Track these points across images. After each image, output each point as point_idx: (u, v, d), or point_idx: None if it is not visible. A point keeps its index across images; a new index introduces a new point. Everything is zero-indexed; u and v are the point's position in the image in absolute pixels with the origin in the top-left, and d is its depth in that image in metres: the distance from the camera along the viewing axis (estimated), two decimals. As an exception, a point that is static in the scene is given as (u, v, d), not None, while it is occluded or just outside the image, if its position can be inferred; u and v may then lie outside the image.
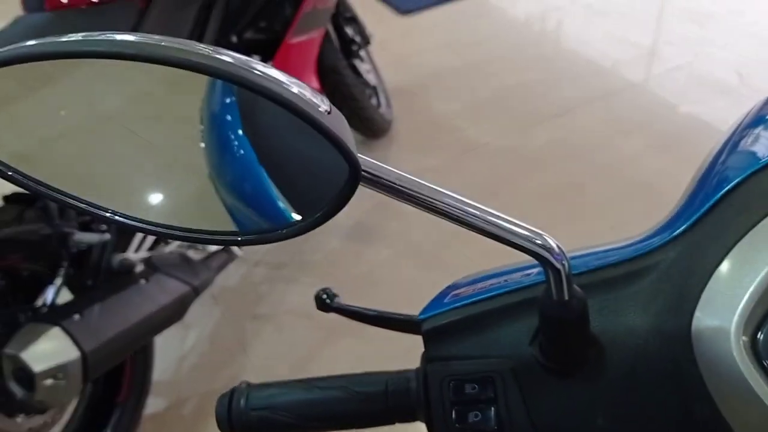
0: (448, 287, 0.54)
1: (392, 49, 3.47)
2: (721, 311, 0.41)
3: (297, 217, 0.39)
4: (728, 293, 0.41)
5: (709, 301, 0.42)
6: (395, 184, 0.38)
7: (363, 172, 0.36)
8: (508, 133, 2.95)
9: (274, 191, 0.40)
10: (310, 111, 0.32)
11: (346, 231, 2.60)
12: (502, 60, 3.47)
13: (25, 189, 0.38)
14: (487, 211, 0.40)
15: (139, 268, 1.70)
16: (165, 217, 0.40)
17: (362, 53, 2.78)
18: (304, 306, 2.29)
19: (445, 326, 0.50)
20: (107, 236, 1.61)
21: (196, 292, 1.77)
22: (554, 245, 0.41)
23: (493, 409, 0.46)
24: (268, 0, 1.99)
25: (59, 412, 1.67)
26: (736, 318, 0.40)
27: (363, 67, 2.78)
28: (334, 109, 0.34)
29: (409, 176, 0.39)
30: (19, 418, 1.57)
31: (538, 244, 0.41)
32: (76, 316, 1.48)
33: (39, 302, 1.60)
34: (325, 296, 0.62)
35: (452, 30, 3.72)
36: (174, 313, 1.70)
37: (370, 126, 2.75)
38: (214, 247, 1.93)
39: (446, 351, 0.49)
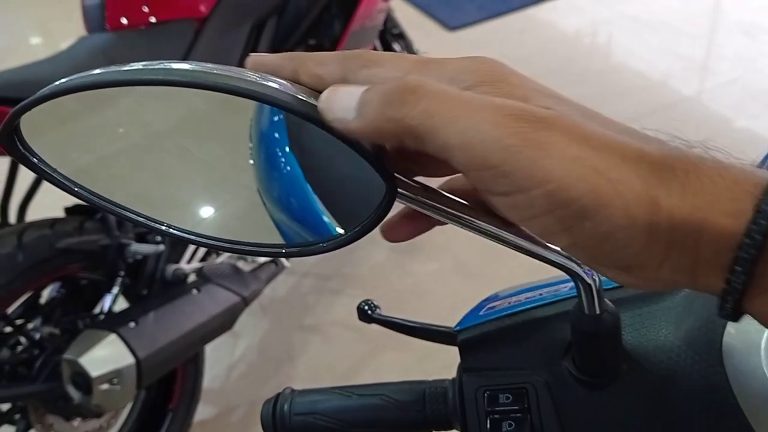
0: (484, 300, 0.56)
1: (440, 64, 3.49)
2: (752, 326, 0.42)
3: (339, 230, 0.41)
4: None
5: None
6: (431, 202, 0.40)
7: (399, 190, 0.38)
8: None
9: (319, 206, 0.42)
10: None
11: (392, 245, 2.61)
12: (550, 74, 3.46)
13: (87, 203, 0.41)
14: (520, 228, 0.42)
15: (192, 278, 1.76)
16: (215, 229, 0.43)
17: (410, 69, 2.81)
18: (350, 318, 2.31)
19: (480, 338, 0.51)
20: (161, 247, 1.67)
21: (245, 302, 1.82)
22: None
23: (527, 419, 0.47)
24: (318, 18, 2.03)
25: (114, 416, 1.73)
26: (766, 334, 0.41)
27: (410, 82, 2.80)
28: None
29: (445, 194, 0.41)
30: (76, 422, 1.64)
31: (569, 259, 0.42)
32: (132, 324, 1.54)
33: (97, 310, 1.66)
34: (366, 307, 0.64)
35: (500, 45, 3.73)
36: (224, 322, 1.75)
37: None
38: (263, 259, 1.98)
39: (481, 362, 0.51)
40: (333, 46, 2.05)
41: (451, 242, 2.53)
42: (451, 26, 3.82)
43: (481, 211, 0.40)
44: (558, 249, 0.42)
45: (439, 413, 0.53)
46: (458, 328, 0.53)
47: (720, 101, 3.12)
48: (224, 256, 1.88)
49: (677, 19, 3.82)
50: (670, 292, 0.47)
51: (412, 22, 3.52)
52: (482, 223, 0.40)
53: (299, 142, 0.43)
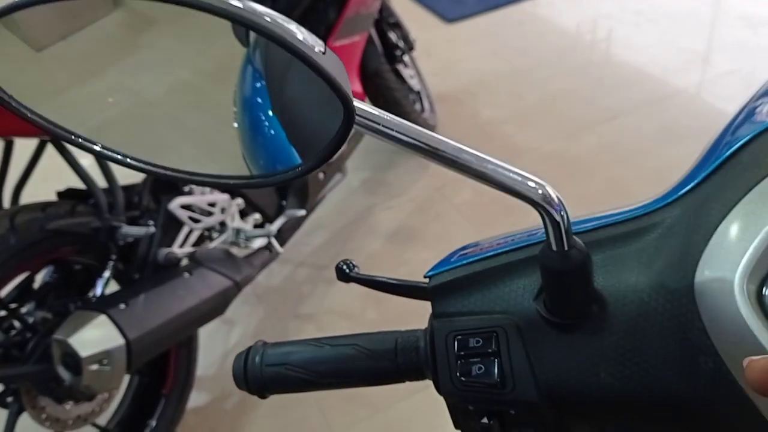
0: (457, 249, 0.55)
1: (438, 56, 3.49)
2: (724, 264, 0.41)
3: (302, 161, 0.41)
4: (732, 246, 0.42)
5: (713, 255, 0.42)
6: (390, 128, 0.39)
7: (358, 115, 0.38)
8: (556, 139, 2.93)
9: (283, 136, 0.42)
10: (305, 49, 0.34)
11: (387, 233, 2.61)
12: (549, 66, 3.46)
13: (48, 133, 0.41)
14: (484, 157, 0.41)
15: (184, 262, 1.75)
16: (182, 163, 0.42)
17: (406, 59, 2.81)
18: (345, 306, 2.32)
19: (450, 283, 0.51)
20: (152, 230, 1.67)
21: (238, 287, 1.81)
22: (554, 195, 0.42)
23: (496, 362, 0.47)
24: (312, 4, 2.03)
25: (106, 401, 1.73)
26: (740, 269, 0.40)
27: (406, 72, 2.80)
28: (330, 52, 0.36)
29: (405, 122, 0.40)
30: (68, 405, 1.63)
31: (537, 193, 0.41)
32: (122, 306, 1.53)
33: (90, 294, 1.66)
34: (344, 267, 0.64)
35: (499, 37, 3.72)
36: (216, 306, 1.74)
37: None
38: (257, 244, 1.97)
39: (452, 307, 0.50)
40: (327, 32, 2.04)
41: (446, 231, 2.53)
42: (449, 18, 3.82)
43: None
44: (523, 173, 0.41)
45: (411, 362, 0.52)
46: (429, 273, 0.52)
47: (720, 93, 3.11)
48: (217, 242, 1.87)
49: (678, 11, 3.81)
50: (641, 233, 0.47)
51: (409, 13, 3.52)
52: (440, 149, 0.40)
53: (273, 77, 0.43)
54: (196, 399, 2.08)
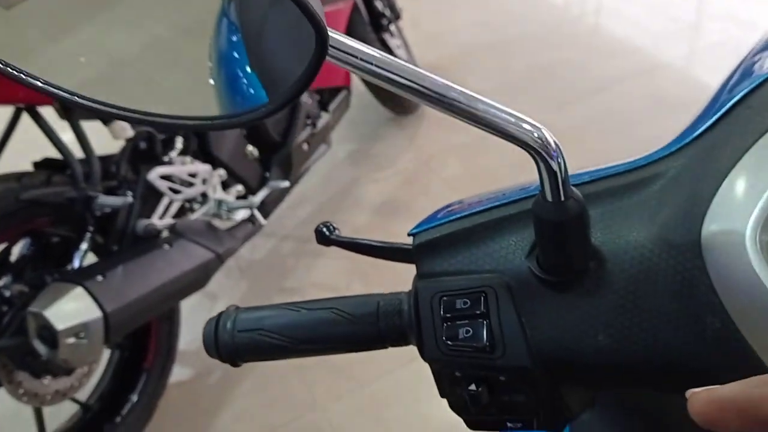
0: (443, 206, 0.51)
1: (425, 28, 3.43)
2: (734, 215, 0.38)
3: (270, 99, 0.37)
4: (743, 195, 0.38)
5: (722, 206, 0.38)
6: (367, 61, 0.35)
7: (332, 47, 0.34)
8: (545, 110, 2.89)
9: (252, 74, 0.38)
10: None
11: (373, 206, 2.58)
12: (537, 37, 3.41)
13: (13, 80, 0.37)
14: (474, 96, 0.37)
15: (164, 234, 1.71)
16: (143, 104, 0.39)
17: (392, 28, 2.75)
18: (330, 279, 2.28)
19: (436, 241, 0.47)
20: (129, 200, 1.62)
21: (220, 259, 1.77)
22: (551, 140, 0.38)
23: (485, 324, 0.43)
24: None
25: (86, 375, 1.69)
26: (752, 220, 0.37)
27: (393, 42, 2.75)
28: None
29: (385, 55, 0.36)
30: (46, 380, 1.59)
31: (532, 136, 0.37)
32: (99, 278, 1.49)
33: (68, 267, 1.61)
34: (324, 229, 0.60)
35: (486, 8, 3.66)
36: (197, 279, 1.70)
37: (400, 101, 2.72)
38: (240, 216, 1.93)
39: (438, 267, 0.46)
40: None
41: (433, 204, 2.48)
42: (437, -11, 3.75)
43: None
44: (517, 114, 0.37)
45: (394, 326, 0.49)
46: (414, 231, 0.49)
47: (710, 63, 3.08)
48: (198, 213, 1.82)
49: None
50: (642, 185, 0.43)
51: (397, -18, 3.44)
52: (424, 86, 0.36)
53: (246, 13, 0.39)
54: (178, 373, 2.05)
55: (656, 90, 2.94)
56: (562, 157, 0.38)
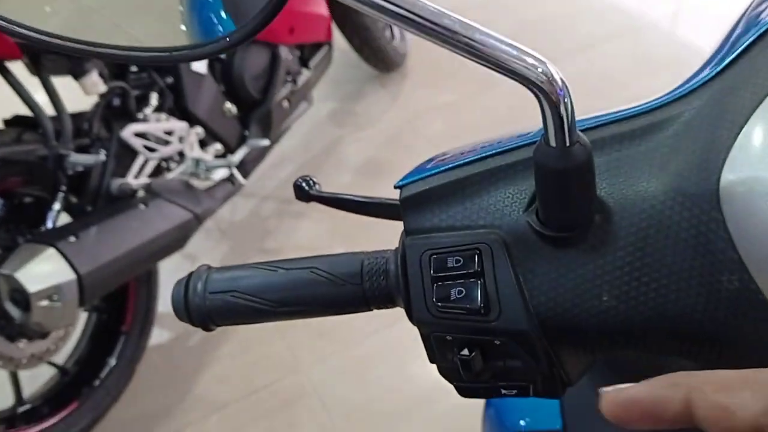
0: (434, 156, 0.47)
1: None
2: (758, 161, 0.34)
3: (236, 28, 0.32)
4: (767, 140, 0.34)
5: (743, 151, 0.35)
6: None
7: None
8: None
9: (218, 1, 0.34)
10: None
11: (356, 166, 2.53)
12: (522, -5, 3.34)
13: None
14: (471, 25, 0.33)
15: (140, 193, 1.66)
16: (109, 38, 0.34)
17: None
18: (313, 240, 2.25)
19: (425, 194, 0.43)
20: (102, 158, 1.56)
21: (198, 220, 1.72)
22: (557, 76, 0.34)
23: (479, 284, 0.39)
24: None
25: (62, 338, 1.65)
26: None
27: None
28: None
29: None
30: (21, 343, 1.55)
31: (536, 72, 0.33)
32: (72, 238, 1.44)
33: (41, 229, 1.56)
34: (303, 183, 0.56)
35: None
36: (175, 240, 1.66)
37: (383, 58, 2.65)
38: (218, 176, 1.88)
39: (427, 222, 0.42)
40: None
41: (416, 163, 2.44)
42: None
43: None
44: (520, 46, 0.33)
45: (379, 287, 0.45)
46: (400, 183, 0.45)
47: (696, 24, 3.03)
48: (175, 172, 1.77)
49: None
50: (653, 131, 0.39)
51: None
52: (413, 11, 0.31)
53: None
54: (158, 336, 2.01)
55: (640, 50, 2.89)
56: (569, 96, 0.34)
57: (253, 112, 2.00)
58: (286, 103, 2.08)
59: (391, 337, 1.91)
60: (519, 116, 2.46)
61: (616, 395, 0.28)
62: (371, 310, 0.47)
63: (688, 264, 0.36)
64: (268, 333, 2.02)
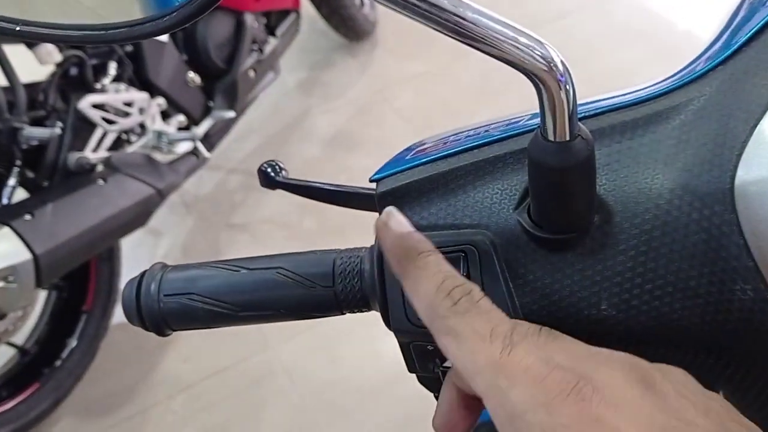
0: (413, 145, 0.43)
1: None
2: None
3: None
4: None
5: (761, 146, 0.31)
6: None
7: None
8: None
9: None
10: None
11: (325, 138, 2.47)
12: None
13: None
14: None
15: (99, 168, 1.58)
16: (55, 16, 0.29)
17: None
18: (281, 215, 2.19)
19: (404, 188, 0.38)
20: (58, 131, 1.49)
21: (161, 195, 1.66)
22: (557, 59, 0.29)
23: None
24: None
25: (21, 318, 1.58)
26: None
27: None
28: None
29: None
30: (-23, 325, 1.49)
31: (533, 55, 0.29)
32: (27, 216, 1.37)
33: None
34: (269, 169, 0.51)
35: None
36: (137, 216, 1.59)
37: (352, 26, 2.58)
38: (182, 149, 1.81)
39: (407, 220, 0.38)
40: None
41: (387, 136, 2.40)
42: None
43: None
44: (514, 25, 0.29)
45: (353, 290, 0.41)
46: (376, 176, 0.40)
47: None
48: (136, 146, 1.70)
49: None
50: (659, 120, 0.35)
51: None
52: None
53: None
54: (121, 315, 1.94)
55: (615, 21, 2.85)
56: (572, 83, 0.29)
57: (217, 83, 1.93)
58: (252, 73, 2.01)
59: (361, 314, 1.87)
60: (493, 88, 2.42)
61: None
62: (344, 314, 0.43)
63: (696, 271, 0.32)
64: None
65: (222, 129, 1.97)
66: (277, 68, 2.21)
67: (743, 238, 0.31)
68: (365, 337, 1.85)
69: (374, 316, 0.40)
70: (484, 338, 0.30)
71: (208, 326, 0.43)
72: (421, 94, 2.58)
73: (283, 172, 0.52)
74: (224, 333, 1.93)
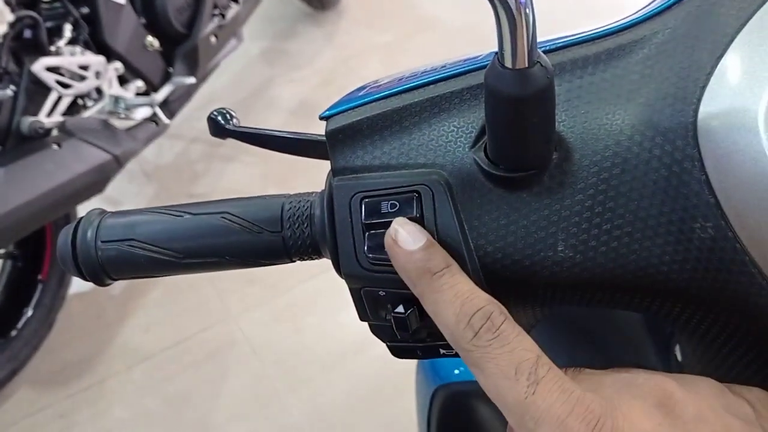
0: (366, 84, 0.41)
1: None
2: (743, 89, 0.29)
3: None
4: (753, 66, 0.30)
5: (725, 79, 0.30)
6: None
7: None
8: (468, 11, 2.76)
9: None
10: None
11: (289, 108, 2.44)
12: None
13: None
14: None
15: (54, 133, 1.53)
16: None
17: None
18: (243, 185, 2.16)
19: (356, 126, 0.37)
20: (9, 93, 1.43)
21: (118, 162, 1.61)
22: None
23: None
24: None
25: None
26: (767, 96, 0.28)
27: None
28: None
29: None
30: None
31: None
32: (-23, 181, 1.33)
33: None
34: (219, 117, 0.49)
35: None
36: (92, 182, 1.55)
37: (318, -6, 2.54)
38: (140, 115, 1.76)
39: (358, 160, 0.37)
40: None
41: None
42: None
43: None
44: None
45: (302, 235, 0.39)
46: (326, 113, 0.38)
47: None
48: (93, 111, 1.64)
49: None
50: (621, 54, 0.34)
51: None
52: None
53: None
54: (80, 284, 1.91)
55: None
56: (531, 5, 0.28)
57: (177, 48, 1.87)
58: (213, 39, 1.96)
59: (323, 284, 1.86)
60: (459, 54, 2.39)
61: None
62: (293, 261, 0.41)
63: (656, 210, 0.31)
64: (198, 279, 1.94)
65: (183, 96, 1.92)
66: (239, 35, 2.17)
67: (705, 173, 0.30)
68: (328, 308, 1.84)
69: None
70: (508, 376, 0.30)
71: (149, 275, 0.41)
72: (387, 65, 2.55)
73: (234, 120, 0.50)
74: (185, 303, 1.90)
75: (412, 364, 0.77)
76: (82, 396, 1.74)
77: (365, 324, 0.40)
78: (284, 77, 2.57)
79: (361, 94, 0.38)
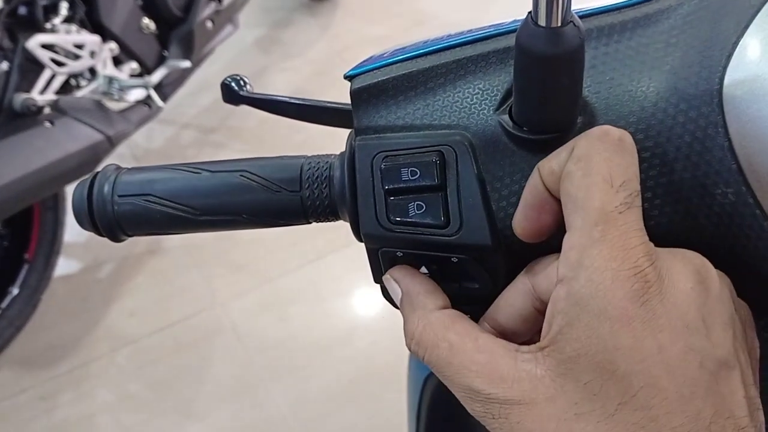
0: (390, 48, 0.41)
1: None
2: None
3: None
4: None
5: (753, 47, 0.30)
6: None
7: None
8: (462, 7, 2.77)
9: None
10: None
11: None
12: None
13: None
14: None
15: (46, 111, 1.52)
16: None
17: None
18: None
19: (381, 85, 0.37)
20: (5, 68, 1.42)
21: (110, 143, 1.60)
22: None
23: (440, 196, 0.34)
24: None
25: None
26: None
27: None
28: None
29: None
30: None
31: None
32: (-33, 155, 1.31)
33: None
34: (233, 83, 0.49)
35: None
36: (83, 162, 1.53)
37: (315, -16, 2.54)
38: (133, 97, 1.75)
39: (382, 119, 0.37)
40: None
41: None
42: None
43: None
44: None
45: (321, 196, 0.39)
46: (351, 72, 0.38)
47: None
48: (86, 90, 1.63)
49: None
50: (647, 23, 0.34)
51: None
52: None
53: None
54: (66, 266, 1.90)
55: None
56: None
57: (173, 31, 1.86)
58: (209, 24, 1.96)
59: (312, 273, 1.85)
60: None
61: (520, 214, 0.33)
62: (309, 222, 0.41)
63: (678, 176, 0.32)
64: (184, 264, 1.94)
65: (176, 79, 1.91)
66: (235, 22, 2.16)
67: (728, 139, 0.30)
68: (315, 297, 1.84)
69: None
70: (606, 180, 0.30)
71: (165, 231, 0.41)
72: (382, 58, 2.55)
73: (248, 86, 0.50)
74: (171, 288, 1.89)
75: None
76: (65, 378, 1.72)
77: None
78: (278, 66, 2.56)
79: (386, 55, 0.38)
